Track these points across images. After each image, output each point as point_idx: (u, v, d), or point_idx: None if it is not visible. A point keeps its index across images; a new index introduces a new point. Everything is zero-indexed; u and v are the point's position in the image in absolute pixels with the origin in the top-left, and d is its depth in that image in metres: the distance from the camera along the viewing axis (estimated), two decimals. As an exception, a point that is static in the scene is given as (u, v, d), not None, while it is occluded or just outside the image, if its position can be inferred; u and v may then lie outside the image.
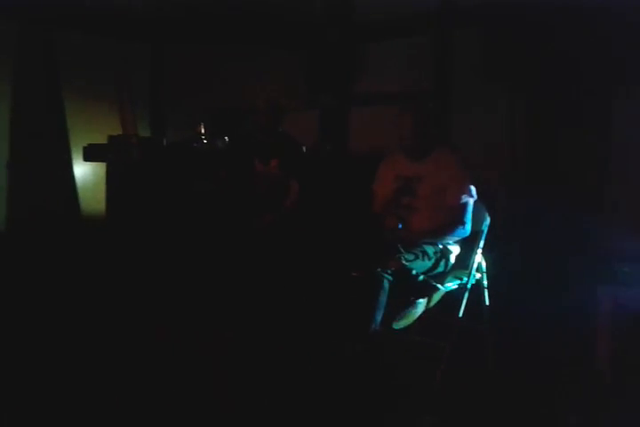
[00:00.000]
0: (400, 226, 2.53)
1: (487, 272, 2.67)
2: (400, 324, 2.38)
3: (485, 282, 2.67)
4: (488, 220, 2.65)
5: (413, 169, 2.68)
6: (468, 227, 2.60)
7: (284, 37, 4.61)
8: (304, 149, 3.71)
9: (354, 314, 2.35)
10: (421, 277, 2.41)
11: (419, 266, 2.46)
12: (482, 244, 2.63)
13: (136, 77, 4.84)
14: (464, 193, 2.58)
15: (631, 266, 2.77)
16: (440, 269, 2.57)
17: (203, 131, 3.67)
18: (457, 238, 2.63)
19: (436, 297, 2.48)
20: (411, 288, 2.39)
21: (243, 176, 3.50)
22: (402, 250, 2.38)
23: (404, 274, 2.37)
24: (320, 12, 4.32)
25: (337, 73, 4.52)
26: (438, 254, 2.55)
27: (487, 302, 2.67)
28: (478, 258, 2.62)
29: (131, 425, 2.16)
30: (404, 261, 2.36)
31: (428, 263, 2.51)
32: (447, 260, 2.60)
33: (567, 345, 2.78)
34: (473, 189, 2.61)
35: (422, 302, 2.42)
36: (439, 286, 2.45)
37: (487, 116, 3.89)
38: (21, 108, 4.36)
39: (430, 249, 2.53)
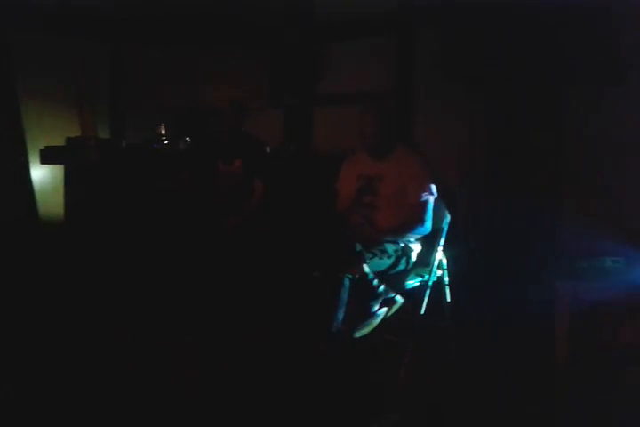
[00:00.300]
0: (362, 222, 2.53)
1: (448, 269, 2.70)
2: (360, 333, 2.39)
3: (447, 279, 2.70)
4: (448, 217, 2.68)
5: (375, 168, 2.70)
6: (429, 225, 2.62)
7: (246, 37, 4.59)
8: (267, 148, 3.70)
9: (315, 313, 2.35)
10: (382, 288, 2.40)
11: (378, 264, 2.46)
12: (442, 241, 2.66)
13: (95, 78, 4.74)
14: (424, 191, 2.60)
15: (588, 261, 2.85)
16: (401, 266, 2.59)
17: (163, 132, 3.62)
18: (418, 236, 2.65)
19: (396, 306, 2.49)
20: (371, 298, 2.39)
21: (205, 177, 3.47)
22: (361, 248, 2.37)
23: (365, 283, 2.37)
24: (281, 12, 4.32)
25: (299, 73, 4.52)
26: (399, 252, 2.57)
27: (448, 299, 2.70)
28: (439, 255, 2.65)
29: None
30: (366, 270, 2.36)
31: (388, 261, 2.52)
32: (408, 258, 2.62)
33: (527, 338, 2.83)
34: (433, 187, 2.63)
35: (382, 312, 2.42)
36: (398, 298, 2.45)
37: (448, 115, 3.94)
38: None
39: (390, 247, 2.54)
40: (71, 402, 2.27)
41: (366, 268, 2.36)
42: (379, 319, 2.42)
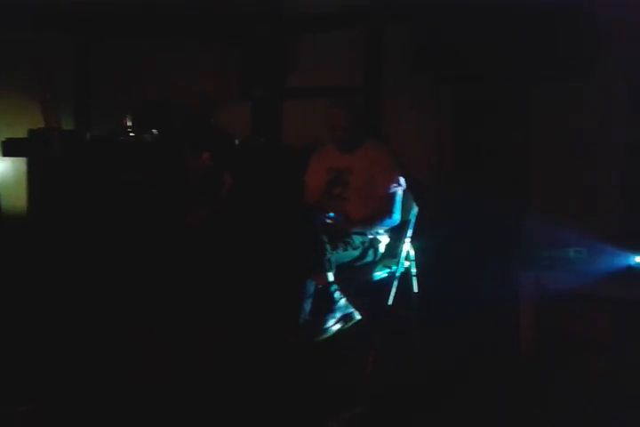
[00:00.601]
0: (332, 215, 2.53)
1: (415, 260, 2.72)
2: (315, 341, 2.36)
3: (414, 270, 2.72)
4: (415, 209, 2.70)
5: (344, 161, 2.71)
6: (397, 216, 2.64)
7: (215, 30, 4.54)
8: (237, 141, 3.67)
9: (283, 305, 2.35)
10: (342, 302, 2.36)
11: (344, 256, 2.46)
12: (410, 233, 2.68)
13: (59, 70, 4.64)
14: (393, 183, 2.62)
15: (551, 252, 2.92)
16: (369, 258, 2.60)
17: (129, 124, 3.56)
18: (386, 228, 2.67)
19: (351, 323, 2.42)
20: (327, 312, 2.34)
21: (173, 169, 3.43)
22: (330, 254, 2.34)
23: (326, 294, 2.33)
24: (251, 5, 4.28)
25: (270, 65, 4.50)
26: (366, 244, 2.58)
27: (415, 290, 2.72)
28: (407, 247, 2.67)
29: None
30: (330, 279, 2.33)
31: (355, 253, 2.53)
32: (376, 249, 2.63)
33: (493, 328, 2.88)
34: (402, 179, 2.65)
35: (336, 329, 2.36)
36: (356, 314, 2.39)
37: (417, 110, 3.97)
38: None
39: (357, 239, 2.54)
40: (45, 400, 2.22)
41: (331, 276, 2.34)
42: (330, 334, 2.35)
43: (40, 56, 4.49)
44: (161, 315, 2.91)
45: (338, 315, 2.34)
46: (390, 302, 2.56)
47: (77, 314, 2.99)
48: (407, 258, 2.68)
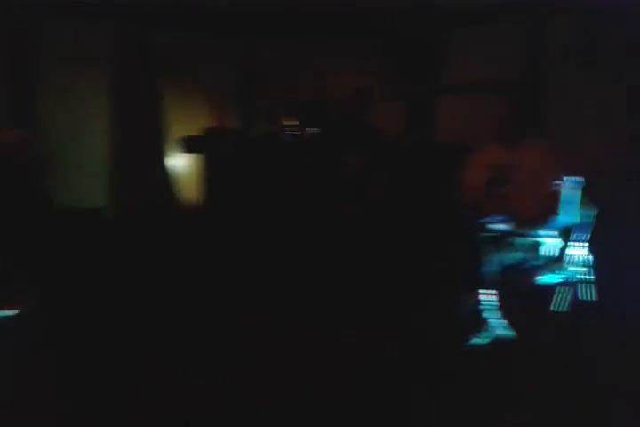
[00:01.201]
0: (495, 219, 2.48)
1: (594, 266, 2.54)
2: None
3: (591, 276, 2.54)
4: (594, 212, 2.53)
5: (507, 157, 2.61)
6: (565, 217, 2.49)
7: (368, 29, 4.58)
8: (390, 138, 3.70)
9: (439, 309, 2.35)
10: (492, 323, 2.34)
11: (505, 258, 2.41)
12: (588, 237, 2.51)
13: (229, 72, 4.99)
14: (558, 181, 2.48)
15: None
16: (532, 262, 2.48)
17: (291, 123, 3.74)
18: (553, 229, 2.52)
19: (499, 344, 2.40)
20: (473, 330, 2.35)
21: (330, 166, 3.56)
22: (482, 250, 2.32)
23: (476, 312, 2.34)
24: (403, 2, 4.26)
25: (422, 63, 4.45)
26: (527, 246, 2.48)
27: (592, 297, 2.53)
28: (583, 251, 2.51)
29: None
30: (478, 295, 2.33)
31: (517, 255, 2.45)
32: (539, 253, 2.50)
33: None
34: (570, 178, 2.50)
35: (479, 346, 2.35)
36: (505, 336, 2.35)
37: (584, 103, 3.69)
38: (123, 105, 4.53)
39: (519, 241, 2.46)
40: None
41: (480, 293, 2.34)
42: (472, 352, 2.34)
43: (211, 58, 4.86)
44: (320, 304, 2.97)
45: (483, 335, 2.36)
46: (558, 307, 2.42)
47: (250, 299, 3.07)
48: (581, 263, 2.52)
